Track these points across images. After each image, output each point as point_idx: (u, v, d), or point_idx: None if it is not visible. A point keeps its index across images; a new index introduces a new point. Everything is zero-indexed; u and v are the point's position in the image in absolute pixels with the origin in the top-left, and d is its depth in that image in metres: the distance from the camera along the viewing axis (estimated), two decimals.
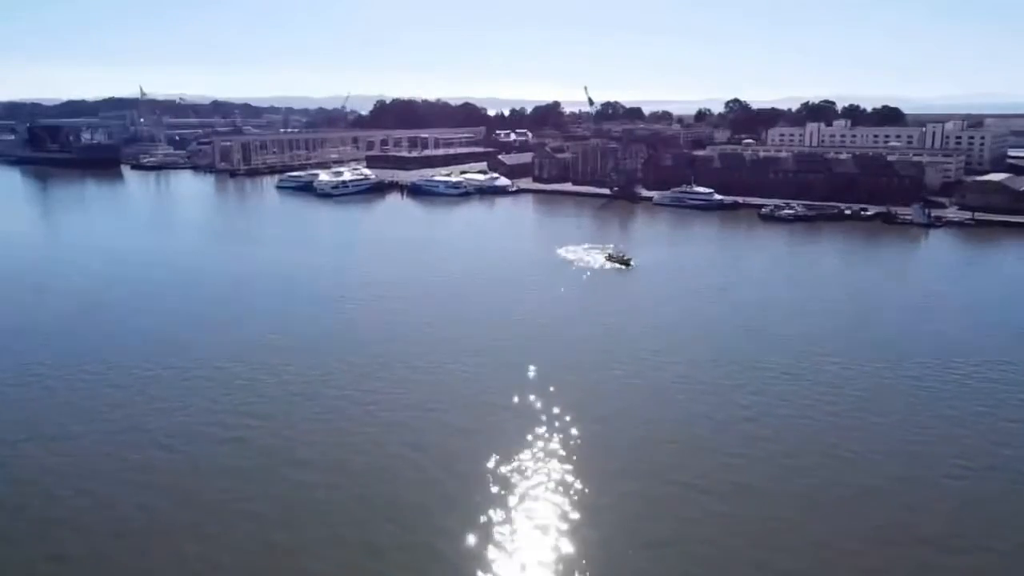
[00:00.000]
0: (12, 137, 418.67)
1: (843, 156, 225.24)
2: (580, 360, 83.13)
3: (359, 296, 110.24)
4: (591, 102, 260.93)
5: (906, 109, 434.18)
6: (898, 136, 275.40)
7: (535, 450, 63.05)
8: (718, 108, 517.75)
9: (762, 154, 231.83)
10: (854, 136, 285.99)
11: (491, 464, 60.35)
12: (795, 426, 67.21)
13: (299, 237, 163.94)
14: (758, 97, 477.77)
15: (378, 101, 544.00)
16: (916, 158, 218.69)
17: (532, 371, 79.45)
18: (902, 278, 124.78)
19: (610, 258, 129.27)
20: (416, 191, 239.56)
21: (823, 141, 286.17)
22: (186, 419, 68.77)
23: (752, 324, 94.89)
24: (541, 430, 66.40)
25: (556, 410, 70.01)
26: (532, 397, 73.20)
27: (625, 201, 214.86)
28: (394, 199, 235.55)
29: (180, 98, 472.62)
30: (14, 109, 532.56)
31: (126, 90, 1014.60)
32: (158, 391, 74.92)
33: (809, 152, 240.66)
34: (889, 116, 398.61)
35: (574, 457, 61.86)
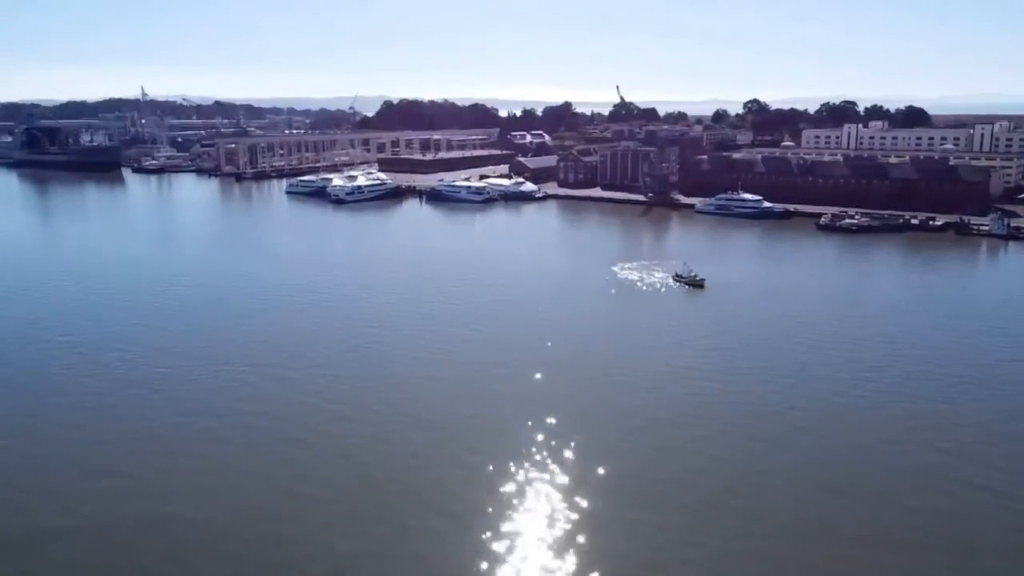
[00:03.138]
0: (9, 139, 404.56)
1: (893, 160, 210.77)
2: (711, 420, 68.31)
3: (404, 327, 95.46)
4: (623, 101, 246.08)
5: None
6: (943, 138, 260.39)
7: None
8: (714, 109, 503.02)
9: (810, 158, 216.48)
10: (895, 138, 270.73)
11: None
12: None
13: (320, 250, 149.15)
14: (750, 97, 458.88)
15: (385, 101, 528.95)
16: (974, 162, 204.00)
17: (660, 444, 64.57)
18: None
19: (678, 278, 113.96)
20: (436, 197, 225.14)
21: (862, 143, 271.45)
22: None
23: (897, 369, 79.99)
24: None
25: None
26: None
27: (663, 208, 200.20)
28: (412, 206, 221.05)
29: (183, 99, 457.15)
30: (12, 110, 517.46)
31: (127, 90, 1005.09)
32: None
33: (862, 156, 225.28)
34: (914, 117, 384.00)
35: None
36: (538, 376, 78.20)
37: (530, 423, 67.04)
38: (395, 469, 59.74)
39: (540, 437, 64.69)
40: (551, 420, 67.60)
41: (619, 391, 74.06)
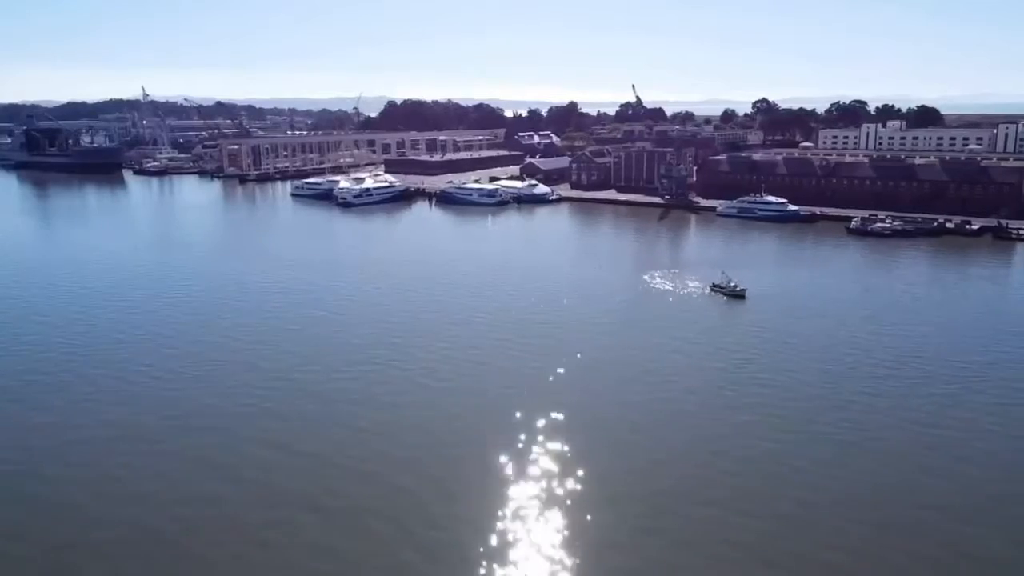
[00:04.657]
0: (8, 140, 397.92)
1: (919, 160, 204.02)
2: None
3: (423, 339, 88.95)
4: (639, 101, 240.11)
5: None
6: (966, 138, 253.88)
7: None
8: (712, 109, 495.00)
9: (833, 159, 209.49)
10: (915, 138, 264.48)
11: None
12: None
13: (331, 256, 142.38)
14: (753, 97, 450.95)
15: (389, 102, 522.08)
16: (1003, 163, 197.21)
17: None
18: None
19: (716, 288, 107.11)
20: (446, 199, 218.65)
21: (880, 143, 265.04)
22: None
23: (986, 394, 73.04)
24: None
25: None
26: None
27: (682, 211, 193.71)
28: (422, 208, 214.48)
29: (184, 99, 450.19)
30: (12, 111, 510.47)
31: (128, 91, 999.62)
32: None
33: (885, 156, 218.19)
34: (927, 116, 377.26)
35: None
36: (573, 397, 71.69)
37: (559, 448, 60.75)
38: (417, 498, 54.72)
39: (568, 464, 59.02)
40: (582, 445, 61.84)
41: (664, 415, 67.48)
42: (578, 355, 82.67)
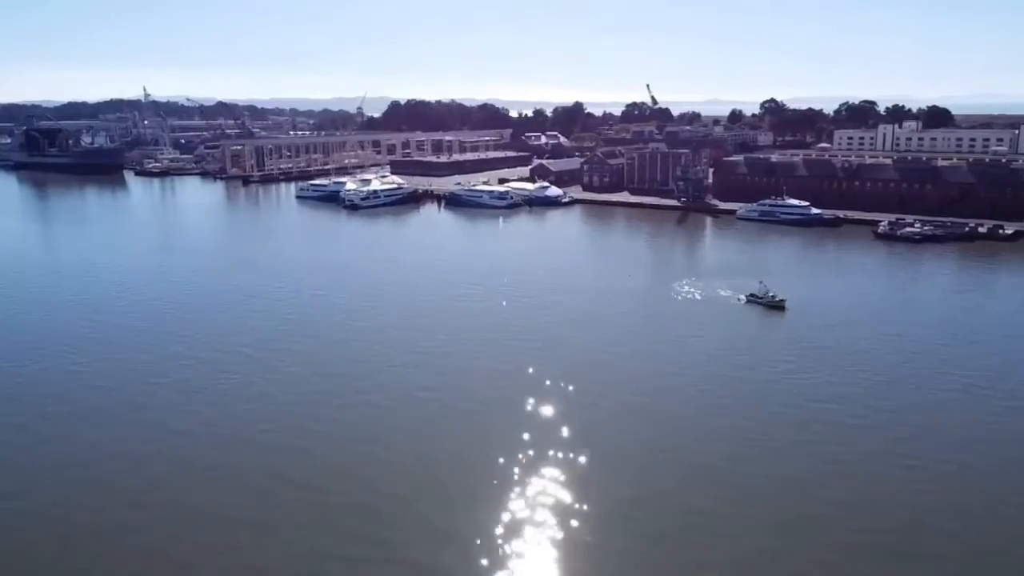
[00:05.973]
0: (8, 141, 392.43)
1: (943, 162, 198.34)
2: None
3: (448, 355, 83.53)
4: (654, 101, 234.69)
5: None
6: (986, 139, 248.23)
7: None
8: (714, 109, 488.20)
9: (855, 161, 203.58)
10: (933, 139, 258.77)
11: None
12: None
13: (340, 262, 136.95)
14: (753, 97, 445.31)
15: (392, 102, 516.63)
16: None
17: None
18: None
19: (753, 298, 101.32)
20: (455, 201, 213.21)
21: (898, 144, 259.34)
22: None
23: None
24: None
25: None
26: None
27: (699, 214, 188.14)
28: (430, 211, 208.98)
29: (186, 99, 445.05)
30: (12, 111, 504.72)
31: (128, 91, 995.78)
32: None
33: (906, 158, 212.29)
34: (938, 117, 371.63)
35: None
36: (606, 413, 66.62)
37: (583, 463, 55.44)
38: (426, 504, 52.04)
39: (590, 480, 54.83)
40: (617, 463, 57.53)
41: (713, 443, 62.06)
42: (612, 371, 77.31)
